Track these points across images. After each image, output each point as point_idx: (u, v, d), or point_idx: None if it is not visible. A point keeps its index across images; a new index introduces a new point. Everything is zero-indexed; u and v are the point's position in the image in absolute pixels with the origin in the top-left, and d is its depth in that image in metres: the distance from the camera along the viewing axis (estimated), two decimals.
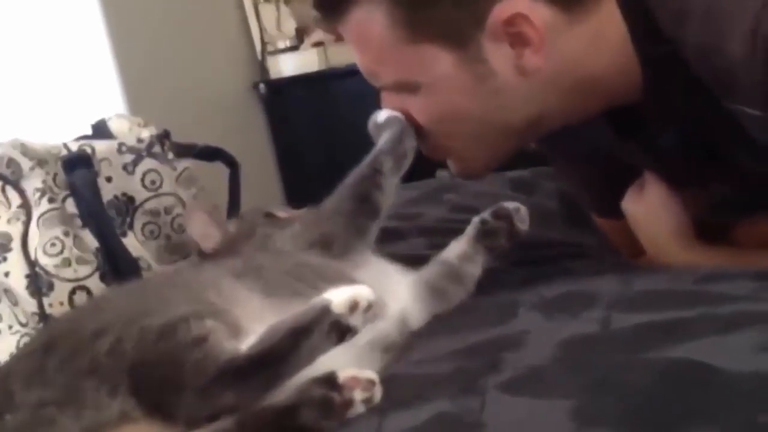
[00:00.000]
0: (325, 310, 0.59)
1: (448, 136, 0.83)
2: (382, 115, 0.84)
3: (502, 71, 0.78)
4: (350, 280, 0.74)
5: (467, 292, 0.82)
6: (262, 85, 2.45)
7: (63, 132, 1.03)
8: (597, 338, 0.64)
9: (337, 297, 0.60)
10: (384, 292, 0.74)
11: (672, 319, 0.64)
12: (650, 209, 0.92)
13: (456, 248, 0.83)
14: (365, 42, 0.81)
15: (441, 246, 0.85)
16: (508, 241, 0.84)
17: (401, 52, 0.78)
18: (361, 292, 0.61)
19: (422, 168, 0.92)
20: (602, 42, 0.78)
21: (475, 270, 0.83)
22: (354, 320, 0.60)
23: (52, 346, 0.62)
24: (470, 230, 0.84)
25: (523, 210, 0.84)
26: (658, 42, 0.75)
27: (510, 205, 0.84)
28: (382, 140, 0.83)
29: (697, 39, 0.72)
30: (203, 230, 0.88)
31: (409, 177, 0.90)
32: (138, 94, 2.18)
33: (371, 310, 0.61)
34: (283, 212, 0.92)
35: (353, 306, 0.60)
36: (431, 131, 0.83)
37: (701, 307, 0.64)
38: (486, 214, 0.84)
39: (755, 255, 0.85)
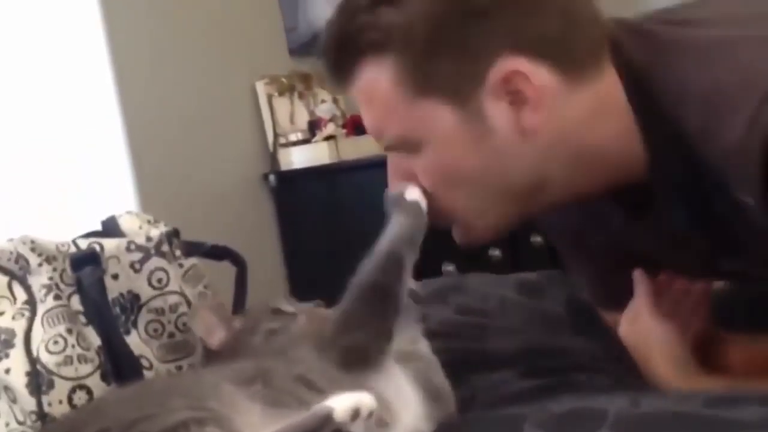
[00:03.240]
0: (327, 418, 0.60)
1: (450, 198, 0.83)
2: (408, 194, 0.83)
3: (501, 130, 0.78)
4: (362, 387, 0.73)
5: (437, 365, 0.81)
6: (272, 176, 2.48)
7: (76, 228, 1.04)
8: None
9: (340, 404, 0.61)
10: (396, 401, 0.74)
11: None
12: (643, 336, 0.92)
13: (402, 339, 0.80)
14: (372, 99, 0.83)
15: (444, 351, 0.84)
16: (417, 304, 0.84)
17: (405, 107, 0.80)
18: (363, 399, 0.62)
19: (429, 262, 0.91)
20: (603, 112, 0.78)
21: (425, 345, 0.83)
22: (355, 428, 0.60)
23: None
24: None
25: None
26: (660, 120, 0.76)
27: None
28: (401, 226, 0.81)
29: (696, 122, 0.73)
30: (208, 328, 0.88)
31: (416, 271, 0.90)
32: (150, 182, 2.22)
33: (372, 417, 0.61)
34: (288, 306, 0.92)
35: (355, 414, 0.60)
36: (435, 194, 0.83)
37: None
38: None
39: (752, 385, 0.84)
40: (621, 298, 0.95)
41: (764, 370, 0.87)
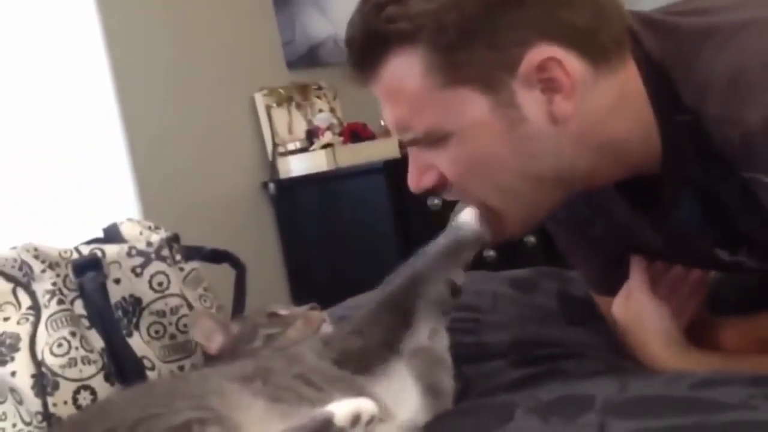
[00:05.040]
0: (328, 422, 0.61)
1: (478, 190, 0.82)
2: (462, 215, 0.83)
3: (533, 117, 0.78)
4: (360, 388, 0.75)
5: (448, 369, 0.82)
6: (271, 185, 2.51)
7: (79, 235, 1.06)
8: None
9: (340, 409, 0.62)
10: (393, 400, 0.75)
11: (666, 426, 0.64)
12: (637, 316, 0.92)
13: (422, 329, 0.83)
14: (399, 92, 0.81)
15: None
16: (455, 298, 0.85)
17: (435, 98, 0.79)
18: (363, 405, 0.63)
19: None
20: (625, 104, 0.79)
21: (446, 341, 0.84)
22: None
23: None
24: (422, 304, 0.83)
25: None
26: (678, 111, 0.76)
27: None
28: (436, 246, 0.83)
29: (717, 111, 0.73)
30: (207, 334, 0.90)
31: None
32: (152, 192, 2.25)
33: (373, 422, 0.63)
34: (284, 310, 0.94)
35: (355, 419, 0.62)
36: (460, 186, 0.82)
37: (696, 415, 0.64)
38: None
39: (744, 360, 0.85)
40: (617, 283, 0.96)
41: (754, 349, 0.88)
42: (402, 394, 0.78)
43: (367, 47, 0.81)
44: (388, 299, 0.82)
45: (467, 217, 0.83)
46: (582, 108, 0.78)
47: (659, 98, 0.78)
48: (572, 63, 0.76)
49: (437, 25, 0.76)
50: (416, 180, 0.85)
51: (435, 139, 0.81)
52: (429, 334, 0.84)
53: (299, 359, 0.78)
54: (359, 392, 0.73)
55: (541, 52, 0.76)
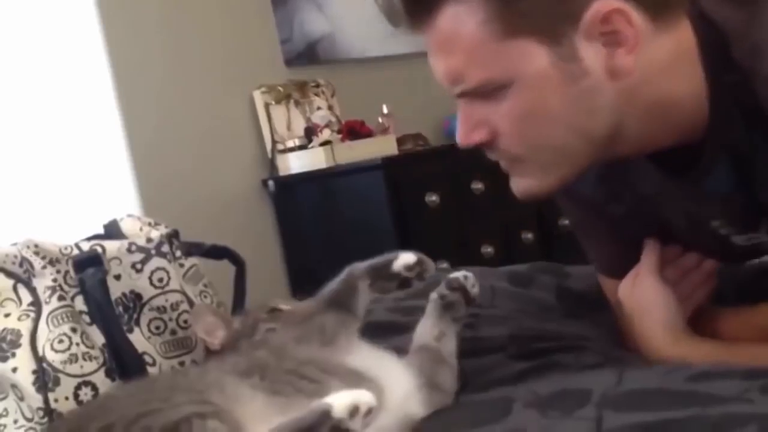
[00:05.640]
0: (326, 414, 0.61)
1: (529, 142, 0.81)
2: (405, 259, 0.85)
3: (594, 71, 0.77)
4: (354, 373, 0.75)
5: (453, 371, 0.83)
6: (271, 182, 2.51)
7: (80, 231, 1.06)
8: None
9: (339, 401, 0.62)
10: (382, 380, 0.76)
11: (663, 419, 0.64)
12: (642, 300, 0.92)
13: (430, 331, 0.85)
14: (455, 41, 0.78)
15: None
16: (466, 307, 0.87)
17: (494, 48, 0.77)
18: (362, 397, 0.63)
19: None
20: (679, 62, 0.78)
21: (452, 345, 0.85)
22: (354, 425, 0.61)
23: None
24: (433, 308, 0.86)
25: (471, 277, 0.87)
26: (728, 71, 0.76)
27: (459, 274, 0.87)
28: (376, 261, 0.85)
29: None
30: (210, 330, 0.90)
31: None
32: (152, 190, 2.26)
33: (371, 414, 0.63)
34: (286, 305, 0.94)
35: (354, 410, 0.61)
36: (513, 138, 0.80)
37: (692, 408, 0.65)
38: (442, 289, 0.86)
39: (744, 348, 0.86)
40: (627, 266, 0.95)
41: (753, 338, 0.88)
42: (399, 384, 0.78)
43: None
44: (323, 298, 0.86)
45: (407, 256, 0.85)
46: (642, 62, 0.76)
47: (710, 57, 0.77)
48: (635, 15, 0.75)
49: None
50: (466, 135, 0.82)
51: (489, 91, 0.79)
52: (436, 336, 0.85)
53: (290, 352, 0.79)
54: (356, 381, 0.73)
55: (606, 3, 0.74)
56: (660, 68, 0.78)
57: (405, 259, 0.85)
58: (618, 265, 0.98)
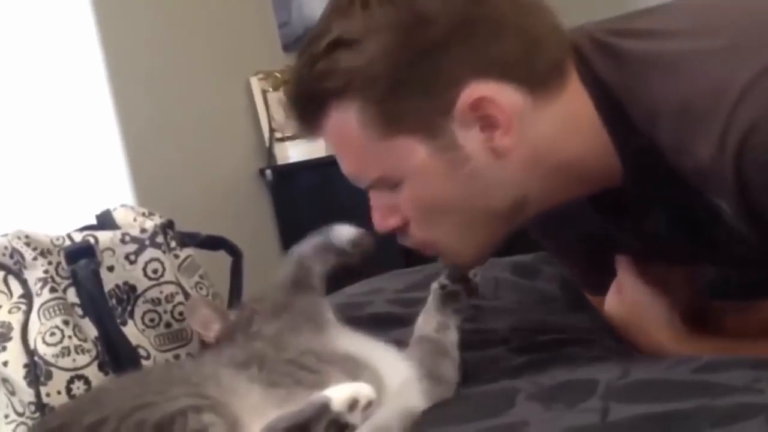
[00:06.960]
0: (325, 407, 0.61)
1: (437, 228, 0.83)
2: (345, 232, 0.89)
3: (476, 155, 0.78)
4: (351, 360, 0.75)
5: (454, 362, 0.83)
6: (268, 171, 2.50)
7: (72, 222, 1.04)
8: (595, 430, 0.64)
9: (337, 394, 0.62)
10: (378, 366, 0.75)
11: (670, 410, 0.63)
12: (635, 306, 0.92)
13: (430, 322, 0.86)
14: (344, 144, 0.83)
15: None
16: (469, 298, 0.87)
17: (377, 148, 0.80)
18: (361, 390, 0.63)
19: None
20: (573, 127, 0.79)
21: (454, 337, 0.85)
22: (353, 418, 0.61)
23: None
24: (434, 299, 0.86)
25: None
26: (633, 134, 0.76)
27: None
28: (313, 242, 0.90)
29: (668, 138, 0.73)
30: (205, 322, 0.89)
31: (412, 257, 0.90)
32: (147, 179, 2.24)
33: (371, 407, 0.62)
34: (282, 296, 0.93)
35: (353, 404, 0.61)
36: (420, 225, 0.83)
37: (699, 398, 0.64)
38: (443, 279, 0.87)
39: (746, 345, 0.85)
40: (605, 282, 0.96)
41: (756, 333, 0.88)
42: (396, 370, 0.77)
43: (306, 104, 0.83)
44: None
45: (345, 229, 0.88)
46: (526, 137, 0.78)
47: (613, 121, 0.78)
48: (507, 96, 0.77)
49: (367, 78, 0.77)
50: (382, 220, 0.86)
51: (388, 185, 0.82)
52: (436, 327, 0.85)
53: (288, 343, 0.78)
54: (354, 369, 0.73)
55: (472, 91, 0.76)
56: (554, 135, 0.79)
57: (343, 232, 0.90)
58: (597, 281, 0.99)
